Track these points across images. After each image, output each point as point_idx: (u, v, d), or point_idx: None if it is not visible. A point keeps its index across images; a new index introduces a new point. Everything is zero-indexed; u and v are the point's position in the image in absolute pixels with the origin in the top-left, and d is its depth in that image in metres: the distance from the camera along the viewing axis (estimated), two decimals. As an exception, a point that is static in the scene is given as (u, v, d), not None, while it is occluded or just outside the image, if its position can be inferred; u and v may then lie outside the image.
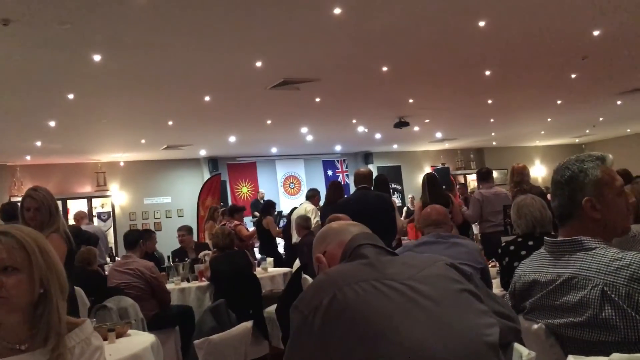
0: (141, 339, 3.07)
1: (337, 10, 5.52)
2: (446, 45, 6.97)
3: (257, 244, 9.16)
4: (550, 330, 1.69)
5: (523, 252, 3.10)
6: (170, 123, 9.84)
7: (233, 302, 5.01)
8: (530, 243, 3.20)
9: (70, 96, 7.52)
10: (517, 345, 1.64)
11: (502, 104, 10.83)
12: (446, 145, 16.89)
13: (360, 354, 1.23)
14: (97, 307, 3.78)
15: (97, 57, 6.12)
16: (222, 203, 12.18)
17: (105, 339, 3.01)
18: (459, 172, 17.10)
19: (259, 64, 6.96)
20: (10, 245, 1.53)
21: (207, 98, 8.38)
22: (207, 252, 6.41)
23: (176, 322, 5.17)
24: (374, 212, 5.16)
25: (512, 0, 5.64)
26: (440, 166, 16.25)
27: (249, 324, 2.73)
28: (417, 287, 1.32)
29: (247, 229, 9.07)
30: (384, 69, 7.74)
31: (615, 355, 1.30)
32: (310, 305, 1.34)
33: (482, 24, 6.20)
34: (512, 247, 3.30)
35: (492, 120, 12.84)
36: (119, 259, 6.76)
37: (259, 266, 6.49)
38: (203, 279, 5.82)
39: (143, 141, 11.36)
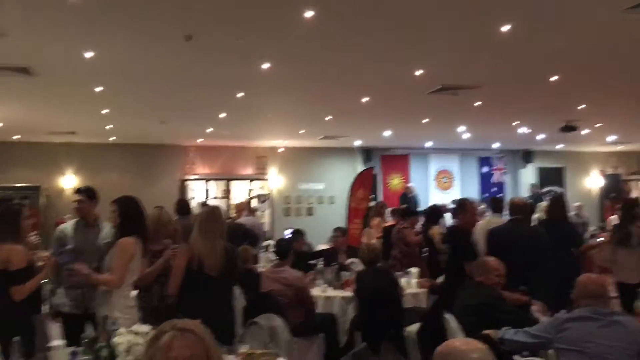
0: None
1: (506, 27, 5.34)
2: (622, 57, 6.42)
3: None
4: None
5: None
6: (328, 118, 10.16)
7: (375, 321, 5.16)
8: None
9: (241, 94, 8.07)
10: None
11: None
12: (619, 148, 15.41)
13: None
14: (249, 322, 4.08)
15: (266, 65, 6.50)
16: (372, 195, 12.32)
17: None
18: (632, 177, 15.53)
19: (419, 72, 6.94)
20: (192, 341, 1.65)
21: (365, 99, 8.52)
22: (354, 260, 6.55)
23: (320, 329, 5.39)
24: (522, 248, 5.01)
25: None
26: (610, 171, 14.84)
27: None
28: None
29: (415, 234, 7.84)
30: (553, 78, 7.31)
31: None
32: None
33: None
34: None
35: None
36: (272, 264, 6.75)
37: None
38: (348, 288, 5.99)
39: (302, 131, 11.86)
